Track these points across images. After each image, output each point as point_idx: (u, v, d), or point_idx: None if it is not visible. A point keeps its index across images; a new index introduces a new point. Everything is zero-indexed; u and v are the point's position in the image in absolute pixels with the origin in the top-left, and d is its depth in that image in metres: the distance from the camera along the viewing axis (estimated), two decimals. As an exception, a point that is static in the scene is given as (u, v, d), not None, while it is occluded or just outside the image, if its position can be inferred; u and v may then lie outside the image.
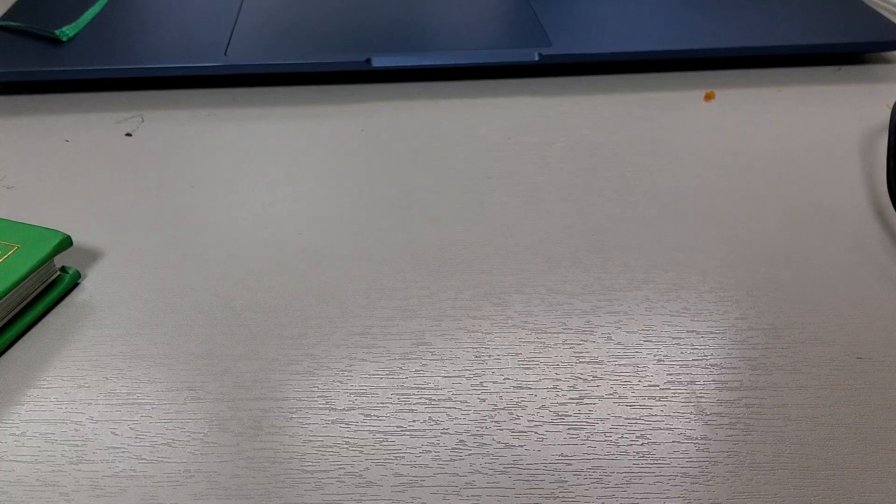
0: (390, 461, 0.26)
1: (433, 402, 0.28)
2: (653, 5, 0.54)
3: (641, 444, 0.27)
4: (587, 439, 0.27)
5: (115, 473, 0.26)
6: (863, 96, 0.48)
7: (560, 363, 0.30)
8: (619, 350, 0.31)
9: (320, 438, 0.27)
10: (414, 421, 0.28)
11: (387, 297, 0.33)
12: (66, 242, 0.33)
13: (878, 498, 0.25)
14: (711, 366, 0.30)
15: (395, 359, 0.30)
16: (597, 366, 0.30)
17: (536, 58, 0.48)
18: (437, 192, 0.39)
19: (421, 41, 0.49)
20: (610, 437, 0.27)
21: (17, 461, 0.26)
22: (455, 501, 0.25)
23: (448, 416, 0.28)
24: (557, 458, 0.27)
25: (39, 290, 0.32)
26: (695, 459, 0.27)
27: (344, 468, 0.26)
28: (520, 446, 0.27)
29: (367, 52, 0.48)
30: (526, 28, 0.51)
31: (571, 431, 0.27)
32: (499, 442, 0.27)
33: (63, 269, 0.33)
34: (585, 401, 0.29)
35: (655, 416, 0.28)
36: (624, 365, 0.30)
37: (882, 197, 0.39)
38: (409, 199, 0.39)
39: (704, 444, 0.27)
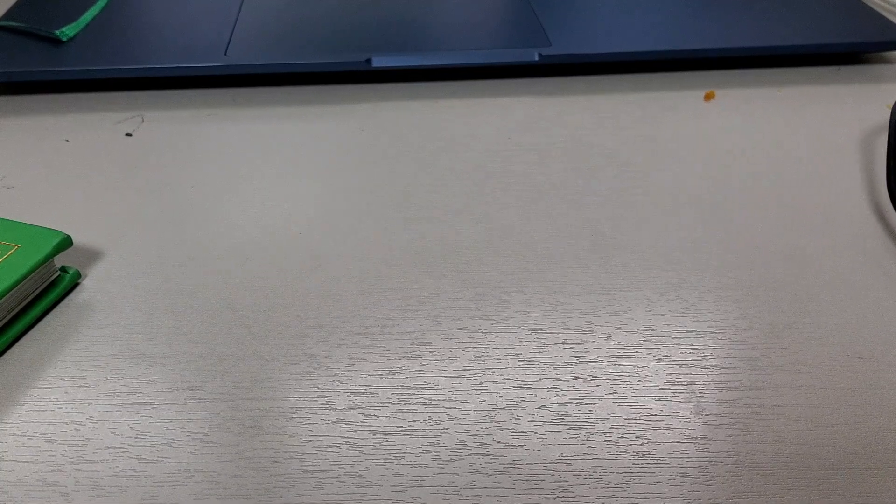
0: (390, 461, 0.27)
1: (433, 402, 0.28)
2: (653, 5, 0.54)
3: (641, 444, 0.27)
4: (587, 439, 0.27)
5: (115, 473, 0.26)
6: (863, 96, 0.48)
7: (560, 363, 0.30)
8: (619, 350, 0.31)
9: (320, 438, 0.27)
10: (414, 421, 0.28)
11: (387, 297, 0.33)
12: (66, 242, 0.33)
13: (877, 498, 0.25)
14: (711, 366, 0.30)
15: (395, 359, 0.30)
16: (597, 366, 0.30)
17: (536, 58, 0.48)
18: (437, 192, 0.39)
19: (421, 41, 0.49)
20: (610, 437, 0.27)
21: (17, 461, 0.26)
22: (455, 501, 0.25)
23: (448, 416, 0.28)
24: (557, 458, 0.27)
25: (39, 290, 0.32)
26: (695, 459, 0.27)
27: (344, 468, 0.26)
28: (520, 446, 0.27)
29: (367, 52, 0.48)
30: (526, 28, 0.51)
31: (571, 431, 0.27)
32: (499, 442, 0.27)
33: (63, 269, 0.33)
34: (585, 401, 0.29)
35: (655, 416, 0.28)
36: (624, 365, 0.30)
37: (882, 197, 0.39)
38: (409, 199, 0.39)
39: (704, 444, 0.27)
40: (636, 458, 0.27)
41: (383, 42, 0.49)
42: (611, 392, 0.29)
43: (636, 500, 0.25)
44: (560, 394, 0.29)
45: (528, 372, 0.30)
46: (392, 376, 0.29)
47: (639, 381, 0.29)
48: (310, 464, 0.26)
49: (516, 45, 0.49)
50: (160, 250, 0.36)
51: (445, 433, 0.27)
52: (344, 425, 0.28)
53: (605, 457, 0.27)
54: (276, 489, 0.26)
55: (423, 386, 0.29)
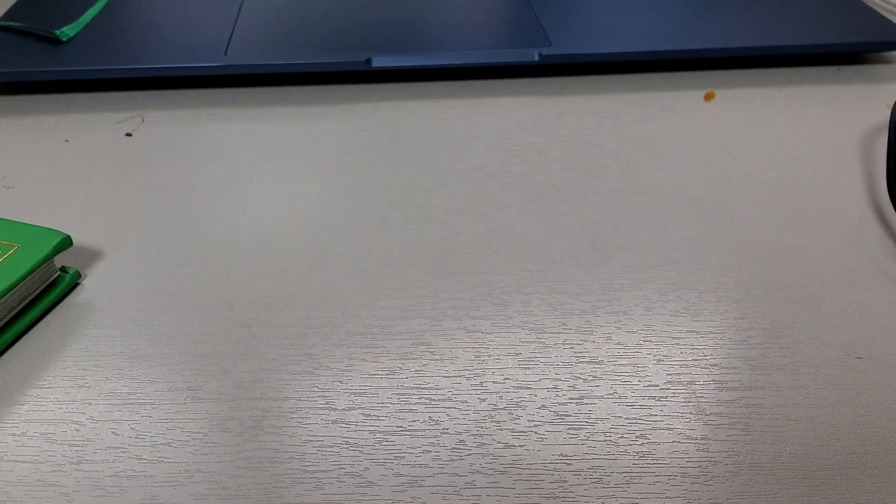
0: (390, 461, 0.27)
1: (433, 402, 0.28)
2: (653, 5, 0.54)
3: (641, 444, 0.27)
4: (587, 439, 0.27)
5: (115, 473, 0.26)
6: (863, 96, 0.48)
7: (560, 363, 0.30)
8: (619, 350, 0.31)
9: (320, 438, 0.27)
10: (414, 421, 0.28)
11: (387, 297, 0.33)
12: (66, 242, 0.33)
13: (877, 498, 0.25)
14: (711, 366, 0.30)
15: (395, 359, 0.30)
16: (597, 366, 0.30)
17: (536, 58, 0.48)
18: (437, 192, 0.39)
19: (421, 41, 0.49)
20: (610, 437, 0.27)
21: (17, 461, 0.26)
22: (455, 501, 0.25)
23: (448, 416, 0.28)
24: (557, 458, 0.27)
25: (39, 290, 0.32)
26: (694, 459, 0.27)
27: (344, 468, 0.26)
28: (520, 446, 0.27)
29: (368, 52, 0.48)
30: (526, 28, 0.51)
31: (571, 431, 0.27)
32: (499, 442, 0.27)
33: (63, 269, 0.33)
34: (585, 401, 0.29)
35: (655, 416, 0.28)
36: (624, 365, 0.30)
37: (882, 197, 0.39)
38: (409, 199, 0.39)
39: (704, 444, 0.27)
40: (636, 458, 0.27)
41: (383, 42, 0.49)
42: (611, 392, 0.29)
43: (636, 500, 0.25)
44: (560, 394, 0.29)
45: (528, 372, 0.30)
46: (392, 376, 0.29)
47: (639, 381, 0.29)
48: (310, 464, 0.26)
49: (516, 45, 0.49)
50: (160, 250, 0.36)
51: (445, 433, 0.27)
52: (344, 425, 0.28)
53: (605, 457, 0.27)
54: (276, 489, 0.26)
55: (423, 386, 0.29)
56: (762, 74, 0.50)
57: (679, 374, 0.30)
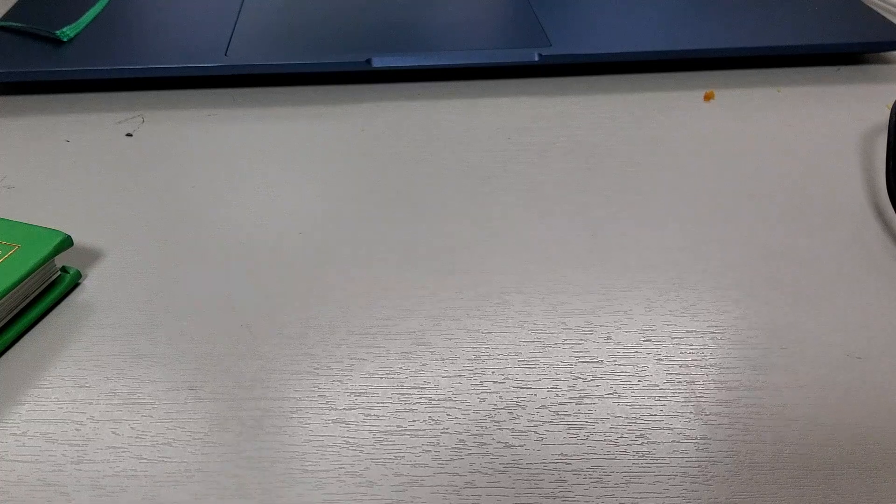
0: (390, 461, 0.27)
1: (433, 402, 0.29)
2: (653, 5, 0.54)
3: (641, 444, 0.27)
4: (587, 439, 0.27)
5: (115, 473, 0.26)
6: (862, 96, 0.48)
7: (560, 363, 0.30)
8: (618, 350, 0.31)
9: (320, 438, 0.27)
10: (414, 421, 0.28)
11: (387, 297, 0.33)
12: (66, 242, 0.33)
13: (876, 498, 0.25)
14: (711, 366, 0.30)
15: (395, 359, 0.30)
16: (596, 366, 0.30)
17: (536, 58, 0.48)
18: (437, 192, 0.39)
19: (421, 41, 0.49)
20: (610, 436, 0.27)
21: (18, 461, 0.27)
22: (455, 501, 0.25)
23: (448, 415, 0.28)
24: (557, 457, 0.27)
25: (40, 290, 0.32)
26: (694, 459, 0.27)
27: (344, 468, 0.26)
28: (520, 446, 0.27)
29: (368, 52, 0.48)
30: (526, 28, 0.51)
31: (571, 431, 0.27)
32: (499, 442, 0.27)
33: (63, 269, 0.33)
34: (585, 400, 0.29)
35: (655, 415, 0.28)
36: (624, 365, 0.30)
37: (881, 197, 0.39)
38: (409, 199, 0.39)
39: (704, 443, 0.27)
40: (636, 457, 0.27)
41: (383, 42, 0.49)
42: (611, 392, 0.29)
43: (636, 500, 0.25)
44: (560, 393, 0.29)
45: (528, 372, 0.30)
46: (392, 376, 0.30)
47: (639, 381, 0.29)
48: (310, 464, 0.26)
49: (516, 45, 0.49)
50: (160, 250, 0.36)
51: (445, 433, 0.27)
52: (344, 425, 0.28)
53: (605, 456, 0.27)
54: (276, 489, 0.26)
55: (423, 386, 0.29)
56: (762, 74, 0.50)
57: (679, 373, 0.30)
